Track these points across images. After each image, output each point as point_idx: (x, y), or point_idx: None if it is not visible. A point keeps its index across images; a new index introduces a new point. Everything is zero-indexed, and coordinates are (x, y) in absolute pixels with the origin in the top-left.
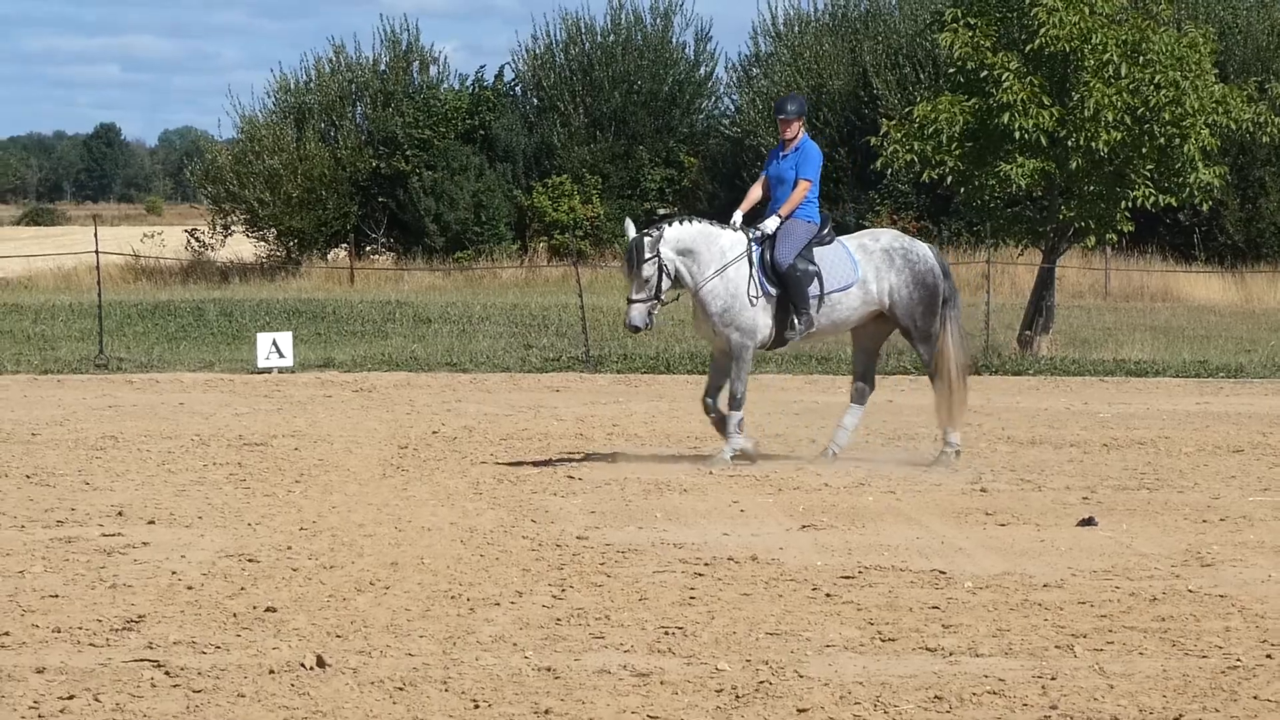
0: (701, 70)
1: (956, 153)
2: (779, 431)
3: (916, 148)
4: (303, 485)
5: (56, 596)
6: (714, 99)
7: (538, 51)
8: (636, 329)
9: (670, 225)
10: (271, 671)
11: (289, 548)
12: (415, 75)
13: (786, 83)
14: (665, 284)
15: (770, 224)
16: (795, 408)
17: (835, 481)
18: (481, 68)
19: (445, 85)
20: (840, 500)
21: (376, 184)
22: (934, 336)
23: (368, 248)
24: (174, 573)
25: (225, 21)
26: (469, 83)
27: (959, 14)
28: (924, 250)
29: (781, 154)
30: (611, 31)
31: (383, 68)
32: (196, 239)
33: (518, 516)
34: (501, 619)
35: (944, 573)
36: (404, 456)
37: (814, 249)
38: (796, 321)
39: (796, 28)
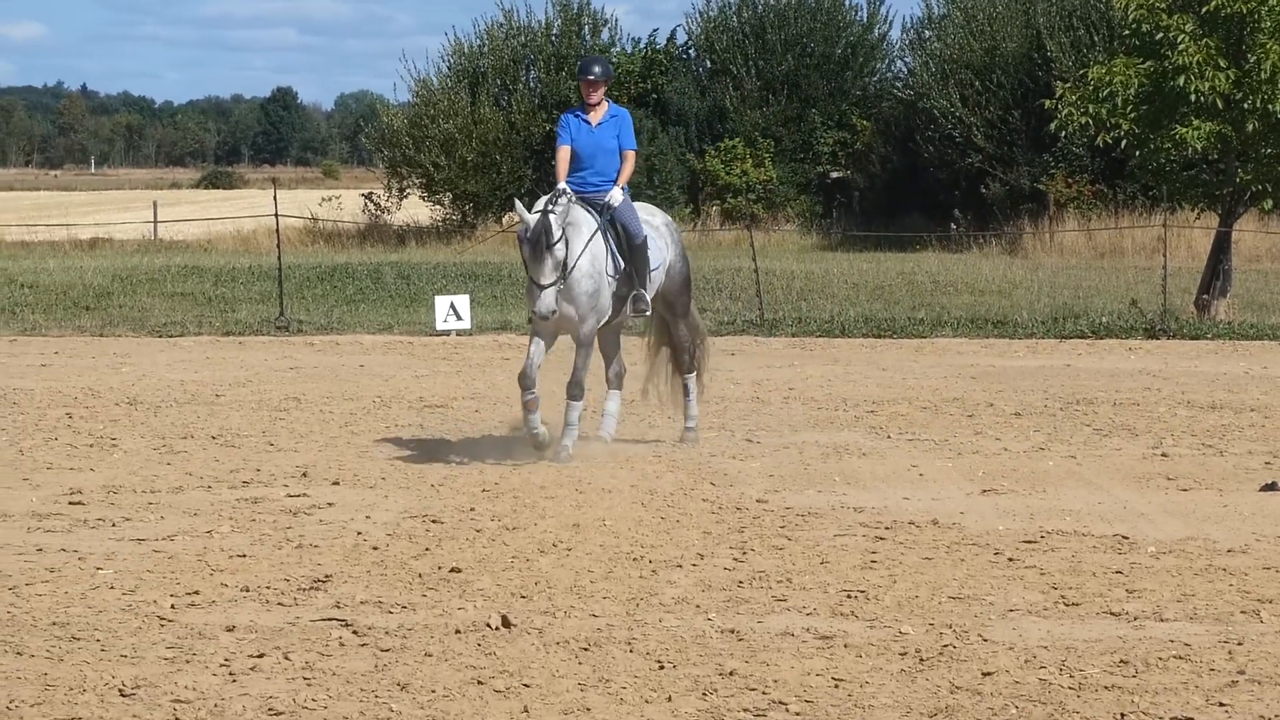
0: (875, 33)
1: (1131, 116)
2: (956, 396)
3: (1091, 110)
4: (484, 447)
5: (244, 556)
6: (887, 62)
7: (711, 15)
8: (552, 313)
9: (558, 203)
10: (458, 631)
11: (472, 509)
12: (587, 39)
13: (960, 44)
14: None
15: (617, 194)
16: (972, 372)
17: (1015, 446)
18: (654, 31)
19: (617, 49)
20: (1020, 465)
21: (550, 147)
22: (690, 312)
23: None
24: (359, 533)
25: None
26: (641, 46)
27: None
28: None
29: (589, 121)
30: None
31: (555, 32)
32: (373, 202)
33: (697, 479)
34: (683, 581)
35: (1126, 537)
36: (584, 419)
37: None
38: (637, 299)
39: None
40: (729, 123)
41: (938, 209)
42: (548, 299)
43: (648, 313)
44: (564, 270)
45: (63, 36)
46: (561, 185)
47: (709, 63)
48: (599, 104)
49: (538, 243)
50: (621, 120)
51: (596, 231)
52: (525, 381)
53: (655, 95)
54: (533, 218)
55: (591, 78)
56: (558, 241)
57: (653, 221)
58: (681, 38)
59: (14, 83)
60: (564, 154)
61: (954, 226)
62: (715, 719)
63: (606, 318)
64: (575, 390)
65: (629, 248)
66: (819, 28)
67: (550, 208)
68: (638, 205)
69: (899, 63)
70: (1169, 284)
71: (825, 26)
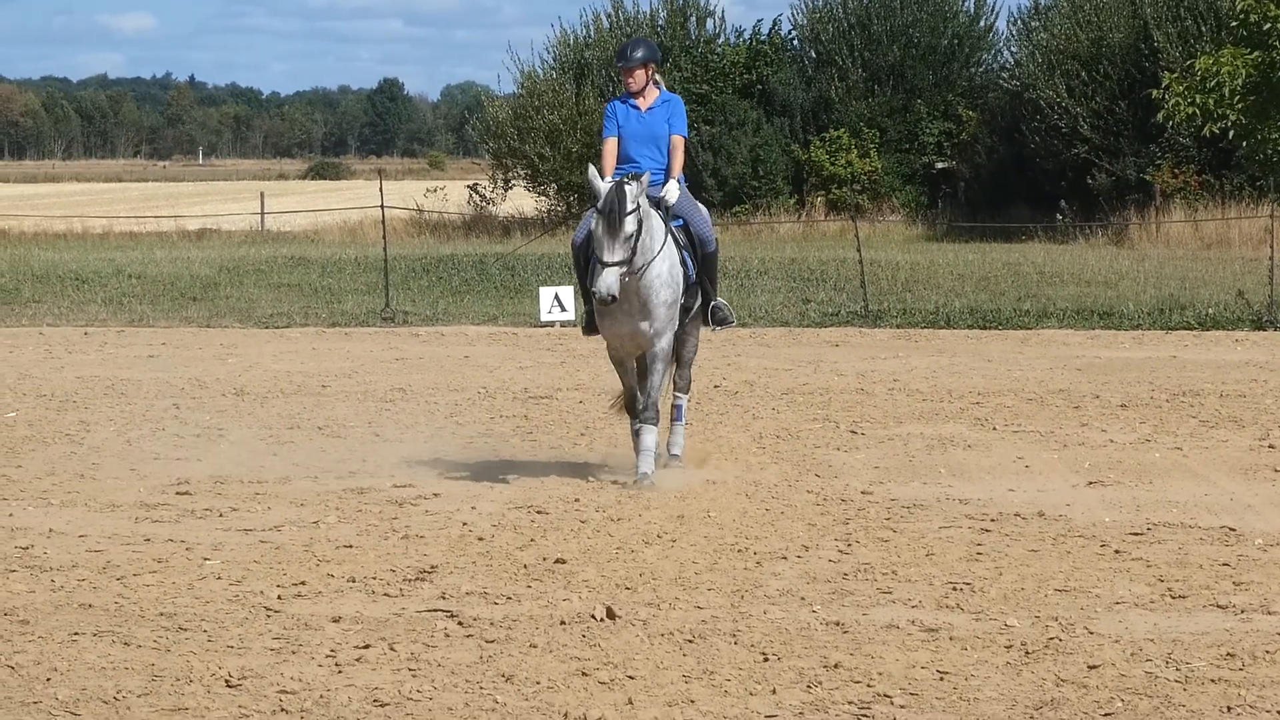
0: (981, 23)
1: (1239, 106)
2: (1062, 387)
3: (1198, 101)
4: (588, 438)
5: (350, 547)
6: (993, 52)
7: (816, 5)
8: (613, 298)
9: (638, 179)
10: (563, 623)
11: (576, 500)
12: (693, 30)
13: (1066, 35)
14: (645, 242)
15: (673, 190)
16: (1077, 363)
17: (1121, 438)
18: (758, 22)
19: (722, 40)
20: (1126, 456)
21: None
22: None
23: None
24: (464, 524)
25: None
26: (745, 37)
27: None
28: None
29: (636, 107)
30: None
31: (660, 22)
32: (478, 194)
33: (801, 471)
34: (788, 573)
35: (1233, 529)
36: (686, 410)
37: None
38: (716, 310)
39: None
40: (834, 113)
41: (1043, 200)
42: (609, 278)
43: (733, 323)
44: (634, 251)
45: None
46: (619, 177)
47: (814, 53)
48: (647, 90)
49: (610, 213)
50: (674, 105)
51: (669, 234)
52: (636, 408)
53: (760, 86)
54: (605, 185)
55: (625, 64)
56: (632, 212)
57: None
58: (786, 28)
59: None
60: (610, 146)
61: (1060, 217)
62: (820, 711)
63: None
64: (650, 414)
65: (700, 255)
66: (925, 18)
67: (625, 180)
68: None
69: (1005, 53)
70: (1276, 275)
71: (931, 17)
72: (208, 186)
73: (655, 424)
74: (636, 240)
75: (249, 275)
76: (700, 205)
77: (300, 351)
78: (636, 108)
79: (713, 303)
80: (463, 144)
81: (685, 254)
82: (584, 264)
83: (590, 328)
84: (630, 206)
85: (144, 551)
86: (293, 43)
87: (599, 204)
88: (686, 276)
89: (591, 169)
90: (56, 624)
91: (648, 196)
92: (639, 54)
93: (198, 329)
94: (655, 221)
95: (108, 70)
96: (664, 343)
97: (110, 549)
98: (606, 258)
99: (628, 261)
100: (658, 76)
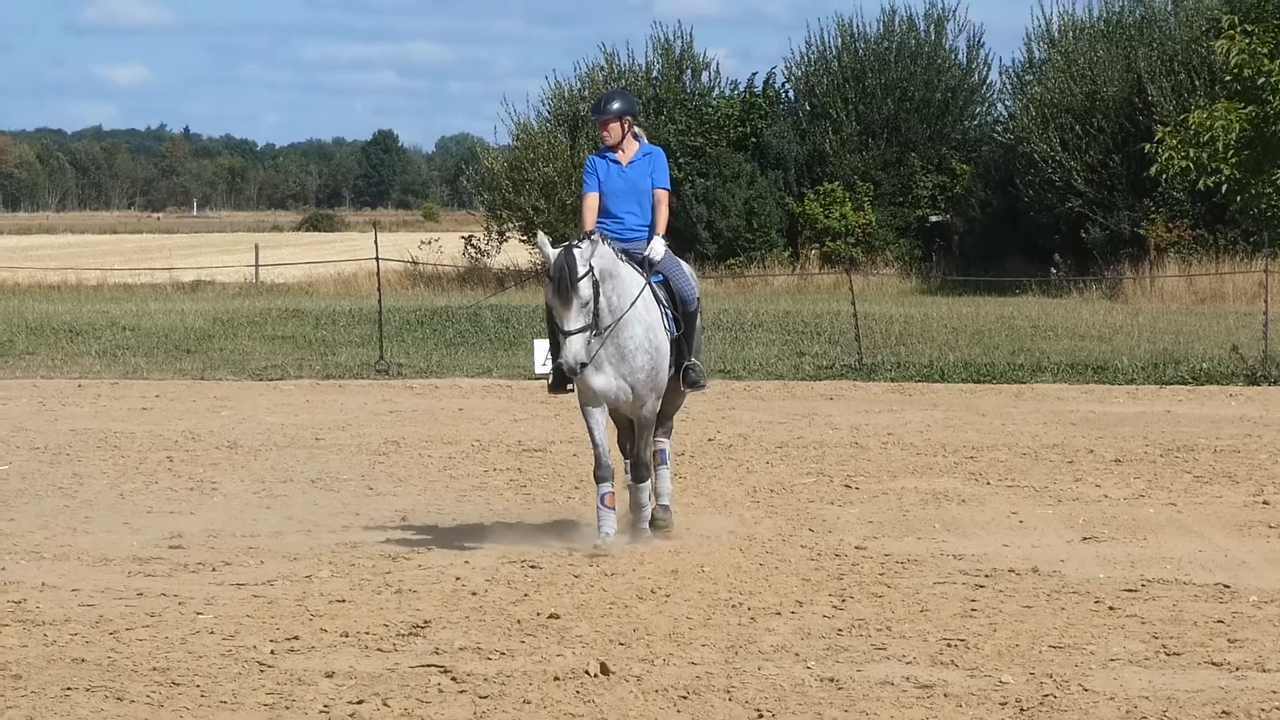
0: (975, 77)
1: (1233, 160)
2: (1056, 442)
3: (1192, 155)
4: (582, 491)
5: (344, 601)
6: (987, 106)
7: (810, 58)
8: (582, 366)
9: (588, 241)
10: (556, 678)
11: (570, 554)
12: (688, 82)
13: (1060, 88)
14: (602, 305)
15: (659, 247)
16: (1072, 418)
17: (1115, 493)
18: (753, 75)
19: (717, 92)
20: (1121, 512)
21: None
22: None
23: None
24: (458, 578)
25: (502, 30)
26: (740, 90)
27: (1236, 20)
28: None
29: (617, 162)
30: (885, 38)
31: (655, 75)
32: (473, 245)
33: (795, 525)
34: (782, 628)
35: (1228, 586)
36: (680, 464)
37: None
38: (689, 372)
39: (1070, 34)
40: (828, 166)
41: (1037, 253)
42: (574, 347)
43: (704, 386)
44: (595, 316)
45: (166, 79)
46: (597, 235)
47: (808, 106)
48: (625, 143)
49: (560, 281)
50: (656, 158)
51: (644, 290)
52: (601, 474)
53: (754, 139)
54: (554, 251)
55: (602, 117)
56: (583, 277)
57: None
58: (780, 81)
59: (118, 125)
60: (590, 202)
61: (1054, 271)
62: None
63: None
64: (641, 471)
65: (682, 314)
66: (919, 71)
67: (575, 242)
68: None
69: (999, 106)
70: (1270, 330)
71: (925, 70)
72: (202, 238)
73: (645, 481)
74: (596, 302)
75: (243, 327)
76: (683, 262)
77: (294, 404)
78: (617, 162)
79: (686, 363)
80: (457, 196)
81: (665, 310)
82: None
83: (556, 386)
84: (581, 270)
85: (137, 606)
86: (287, 94)
87: (549, 271)
88: (668, 333)
89: (540, 234)
90: (49, 679)
91: (632, 255)
92: (614, 106)
93: (191, 381)
94: (626, 277)
95: (102, 121)
96: (647, 409)
97: (103, 603)
98: (566, 326)
99: (591, 325)
100: (637, 129)
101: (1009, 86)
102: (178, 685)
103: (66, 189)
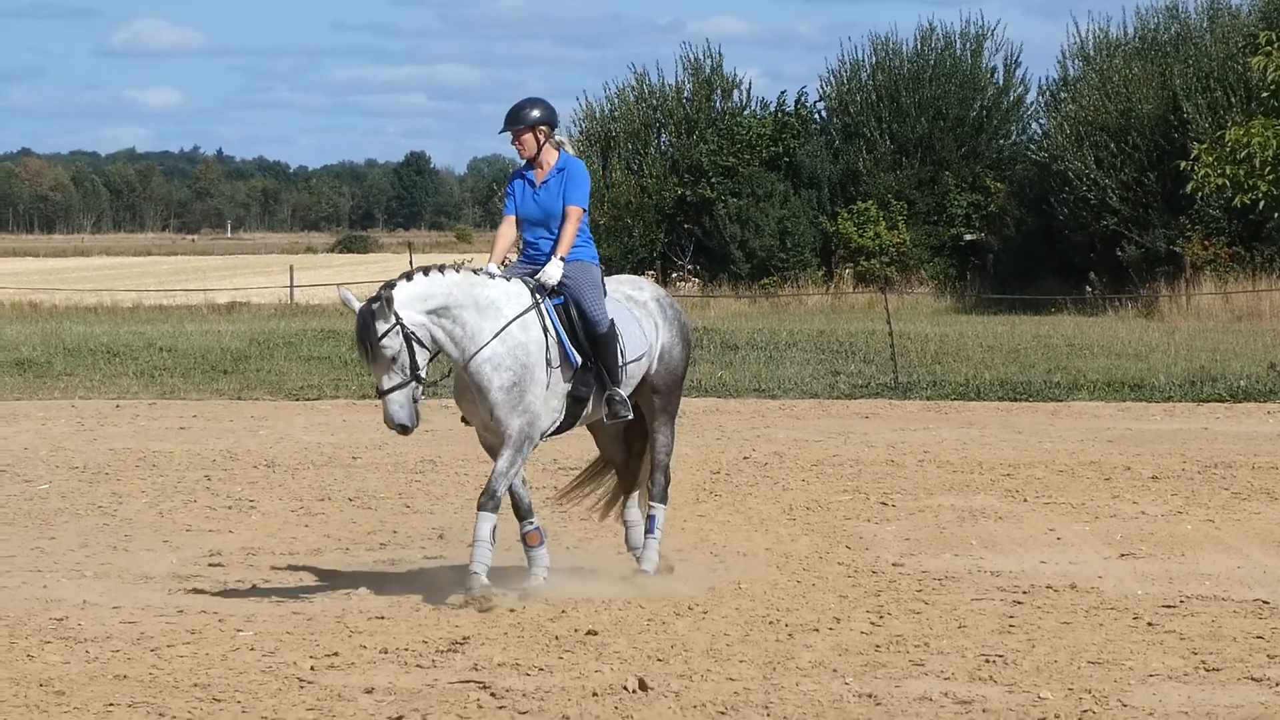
0: (1010, 96)
1: (1269, 177)
2: (1093, 459)
3: (1228, 172)
4: (617, 509)
5: (383, 618)
6: (1021, 124)
7: (843, 77)
8: (405, 428)
9: (405, 281)
10: (595, 694)
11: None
12: (718, 102)
13: (1095, 106)
14: (422, 357)
15: (553, 271)
16: (1108, 435)
17: (1153, 510)
18: (783, 93)
19: (748, 112)
20: (1159, 528)
21: (682, 211)
22: (674, 418)
23: (674, 275)
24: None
25: (532, 52)
26: (771, 109)
27: (1273, 37)
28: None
29: (533, 180)
30: (919, 56)
31: (686, 95)
32: (505, 265)
33: (832, 543)
34: (820, 645)
35: (1267, 602)
36: (716, 481)
37: None
38: (611, 401)
39: (1105, 51)
40: (862, 185)
41: (1073, 271)
42: (391, 408)
43: (628, 417)
44: (412, 366)
45: (199, 102)
46: (490, 267)
47: (841, 125)
48: (543, 156)
49: (363, 343)
50: (570, 173)
51: (529, 310)
52: (518, 512)
53: (787, 158)
54: (357, 307)
55: (518, 126)
56: (382, 337)
57: (639, 297)
58: (812, 99)
59: (151, 148)
60: (503, 229)
61: (1089, 289)
62: None
63: (552, 423)
64: (485, 499)
65: (589, 337)
66: (953, 90)
67: (383, 291)
68: (621, 279)
69: (1033, 125)
70: None
71: (960, 89)
72: (236, 260)
73: (494, 513)
74: (411, 356)
75: (279, 348)
76: (601, 283)
77: (331, 423)
78: (532, 183)
79: (607, 392)
80: (489, 216)
81: (559, 334)
82: None
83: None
84: (383, 328)
85: (177, 623)
86: (319, 117)
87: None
88: (568, 360)
89: (340, 290)
90: (92, 695)
91: (523, 280)
92: (529, 114)
93: (229, 401)
94: (488, 304)
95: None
96: (513, 428)
97: (144, 620)
98: (381, 386)
99: (409, 380)
100: (561, 138)
101: (1043, 104)
102: (219, 701)
103: (101, 211)
